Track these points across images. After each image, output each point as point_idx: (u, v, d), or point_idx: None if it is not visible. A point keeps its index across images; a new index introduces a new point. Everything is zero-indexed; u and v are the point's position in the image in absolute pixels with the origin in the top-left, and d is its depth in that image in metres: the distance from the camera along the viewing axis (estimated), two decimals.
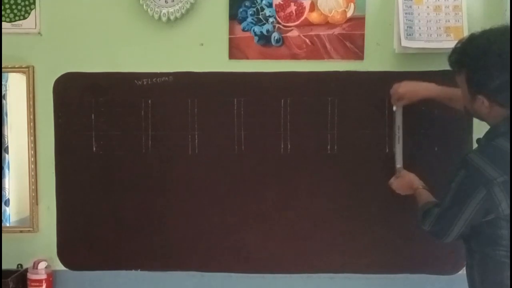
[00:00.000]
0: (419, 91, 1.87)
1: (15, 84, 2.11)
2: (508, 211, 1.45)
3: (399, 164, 1.93)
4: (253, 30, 2.03)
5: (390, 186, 1.89)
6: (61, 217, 2.10)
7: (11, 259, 2.07)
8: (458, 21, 1.95)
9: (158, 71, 2.05)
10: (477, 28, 1.56)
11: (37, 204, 2.10)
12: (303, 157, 2.04)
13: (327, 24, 2.02)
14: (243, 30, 2.03)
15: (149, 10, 1.99)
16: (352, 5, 2.01)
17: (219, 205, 2.06)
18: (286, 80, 2.03)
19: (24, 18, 2.07)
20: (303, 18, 2.02)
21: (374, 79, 2.01)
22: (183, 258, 2.08)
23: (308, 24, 2.02)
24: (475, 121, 1.89)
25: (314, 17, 2.02)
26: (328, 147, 2.04)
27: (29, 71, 2.06)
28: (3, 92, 2.12)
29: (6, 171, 2.14)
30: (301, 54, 2.03)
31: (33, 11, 2.06)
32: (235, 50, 2.04)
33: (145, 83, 2.05)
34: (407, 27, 1.94)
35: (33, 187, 2.09)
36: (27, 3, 2.06)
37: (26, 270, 2.07)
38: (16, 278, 2.03)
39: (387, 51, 2.01)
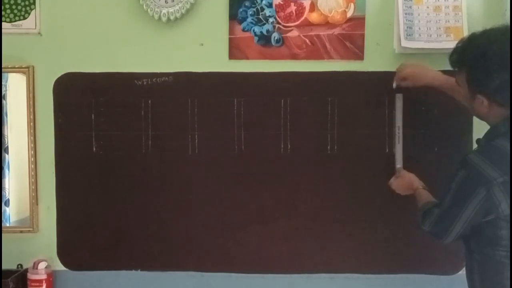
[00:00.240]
0: (425, 76, 1.85)
1: (15, 84, 2.11)
2: (508, 212, 1.45)
3: (399, 164, 1.93)
4: (253, 30, 2.03)
5: (390, 186, 1.89)
6: (61, 217, 2.10)
7: (11, 259, 2.07)
8: (458, 21, 1.95)
9: (158, 71, 2.05)
10: (477, 28, 1.57)
11: (37, 204, 2.10)
12: (303, 157, 2.04)
13: (327, 24, 2.02)
14: (243, 30, 2.03)
15: (149, 10, 1.99)
16: (352, 5, 2.01)
17: (219, 205, 2.06)
18: (286, 80, 2.03)
19: (24, 18, 2.07)
20: (303, 18, 2.02)
21: (374, 79, 2.01)
22: (183, 258, 2.08)
23: (308, 24, 2.02)
24: (475, 121, 1.89)
25: (314, 17, 2.02)
26: (328, 147, 2.04)
27: (29, 71, 2.06)
28: (3, 92, 2.12)
29: (6, 171, 2.14)
30: (301, 54, 2.03)
31: (33, 11, 2.06)
32: (235, 50, 2.04)
33: (145, 83, 2.05)
34: (407, 27, 1.94)
35: (33, 187, 2.09)
36: (27, 3, 2.06)
37: (26, 270, 2.07)
38: (16, 278, 2.03)
39: (387, 51, 2.01)
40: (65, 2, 2.06)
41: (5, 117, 2.13)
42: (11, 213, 2.16)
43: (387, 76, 1.97)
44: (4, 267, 2.00)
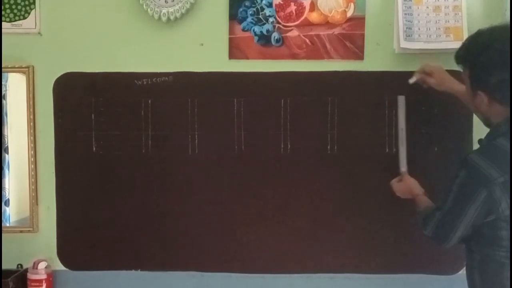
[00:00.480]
0: (450, 82, 1.81)
1: (15, 84, 2.11)
2: (508, 212, 1.45)
3: (403, 167, 1.87)
4: (253, 30, 2.03)
5: (391, 186, 1.88)
6: (61, 217, 2.10)
7: (11, 259, 2.07)
8: (457, 21, 1.95)
9: (158, 71, 2.05)
10: (477, 28, 1.57)
11: (37, 204, 2.10)
12: (303, 157, 2.04)
13: (327, 24, 2.02)
14: (243, 30, 2.03)
15: (149, 10, 1.99)
16: (352, 5, 2.01)
17: (219, 205, 2.06)
18: (286, 80, 2.03)
19: (24, 18, 2.07)
20: (303, 18, 2.02)
21: (374, 79, 2.01)
22: (183, 258, 2.08)
23: (308, 24, 2.02)
24: (475, 121, 1.89)
25: (314, 17, 2.02)
26: (328, 147, 2.04)
27: (29, 71, 2.06)
28: (3, 92, 2.12)
29: (6, 171, 2.14)
30: (301, 54, 2.03)
31: (33, 11, 2.06)
32: (235, 50, 2.04)
33: (145, 83, 2.05)
34: (407, 27, 1.94)
35: (33, 187, 2.08)
36: (27, 3, 2.06)
37: (26, 270, 2.07)
38: (16, 278, 2.03)
39: (387, 51, 2.01)
40: (65, 2, 2.06)
41: (5, 117, 2.13)
42: (11, 213, 2.16)
43: (387, 76, 1.98)
44: (4, 267, 2.00)
